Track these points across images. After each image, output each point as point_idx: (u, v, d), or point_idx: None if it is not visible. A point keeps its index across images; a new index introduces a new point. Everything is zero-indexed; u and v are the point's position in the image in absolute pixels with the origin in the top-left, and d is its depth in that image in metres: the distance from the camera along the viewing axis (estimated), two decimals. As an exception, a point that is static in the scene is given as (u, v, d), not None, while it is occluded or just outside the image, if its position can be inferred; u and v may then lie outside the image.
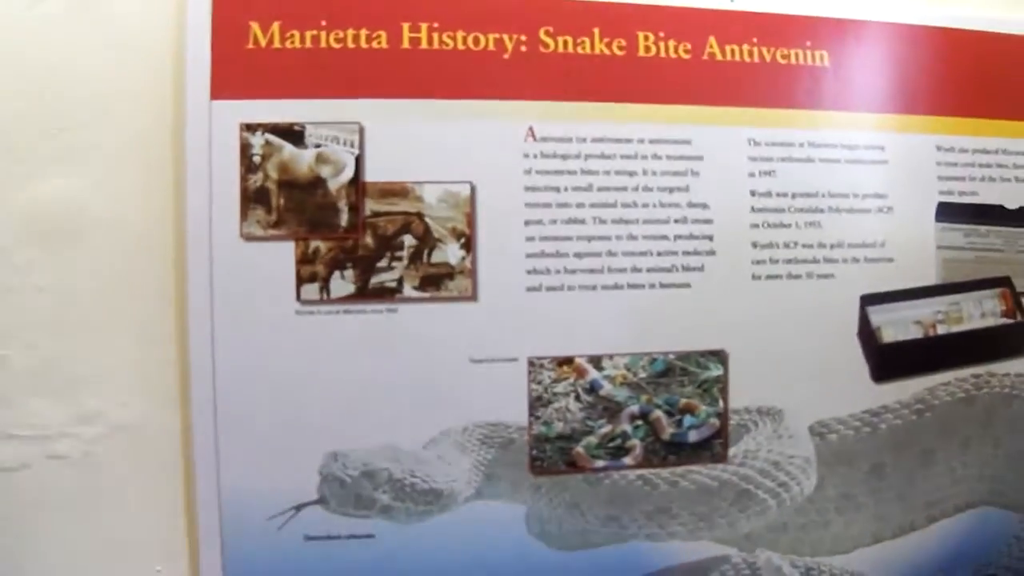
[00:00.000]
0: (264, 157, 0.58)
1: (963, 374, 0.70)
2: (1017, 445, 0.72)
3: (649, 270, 0.62)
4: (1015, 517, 0.73)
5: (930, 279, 0.69)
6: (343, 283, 0.59)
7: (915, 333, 0.68)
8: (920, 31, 0.70)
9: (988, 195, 0.72)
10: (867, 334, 0.67)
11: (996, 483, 0.72)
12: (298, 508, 0.58)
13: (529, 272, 0.61)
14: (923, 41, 0.70)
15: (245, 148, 0.58)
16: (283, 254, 0.59)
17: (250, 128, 0.58)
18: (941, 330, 0.69)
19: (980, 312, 0.70)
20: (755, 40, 0.66)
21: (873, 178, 0.68)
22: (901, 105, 0.69)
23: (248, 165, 0.58)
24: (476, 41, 0.61)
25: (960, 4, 0.72)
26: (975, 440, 0.71)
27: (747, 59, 0.65)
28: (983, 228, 0.71)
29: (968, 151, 0.71)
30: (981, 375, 0.71)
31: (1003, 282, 0.72)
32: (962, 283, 0.70)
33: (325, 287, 0.59)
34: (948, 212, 0.70)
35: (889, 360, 0.67)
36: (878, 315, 0.67)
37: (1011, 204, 0.72)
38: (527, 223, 0.61)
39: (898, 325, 0.68)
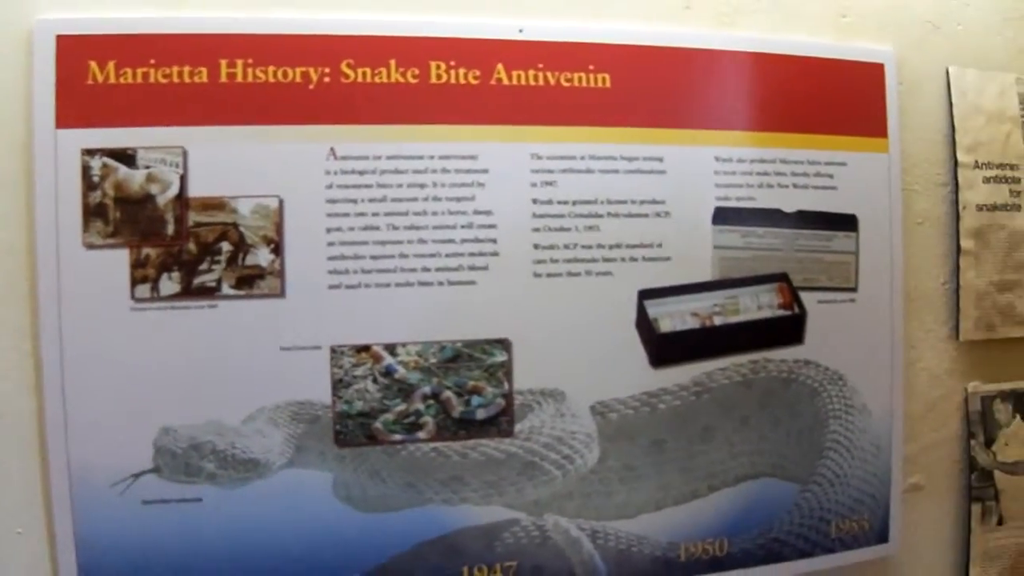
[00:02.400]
0: (102, 177, 0.74)
1: (740, 360, 0.84)
2: (796, 424, 0.86)
3: (438, 269, 0.77)
4: (795, 488, 0.86)
5: (707, 276, 0.83)
6: (170, 284, 0.74)
7: (692, 323, 0.82)
8: (699, 54, 0.84)
9: (766, 200, 0.85)
10: (645, 325, 0.81)
11: (776, 457, 0.86)
12: (136, 476, 0.74)
13: (331, 272, 0.75)
14: (702, 63, 0.83)
15: (86, 170, 0.73)
16: (119, 260, 0.74)
17: (90, 152, 0.73)
18: (718, 321, 0.83)
19: (757, 304, 0.84)
20: (541, 65, 0.80)
21: (651, 186, 0.82)
22: (680, 120, 0.83)
23: (88, 184, 0.73)
24: (285, 74, 0.76)
25: (736, 28, 0.86)
26: (753, 419, 0.85)
27: (532, 83, 0.79)
28: (760, 230, 0.85)
29: (746, 161, 0.85)
30: (758, 361, 0.85)
31: (780, 278, 0.85)
32: (739, 279, 0.84)
33: (155, 287, 0.74)
34: (725, 216, 0.84)
35: (666, 348, 0.81)
36: (655, 308, 0.81)
37: (788, 208, 0.86)
38: (328, 230, 0.75)
39: (675, 316, 0.82)
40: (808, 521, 0.87)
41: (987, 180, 0.94)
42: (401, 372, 0.76)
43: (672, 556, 0.83)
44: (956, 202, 0.94)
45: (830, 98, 0.88)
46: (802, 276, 0.86)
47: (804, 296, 0.86)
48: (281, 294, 0.75)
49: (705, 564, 0.84)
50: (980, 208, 0.94)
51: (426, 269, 0.76)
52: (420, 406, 0.77)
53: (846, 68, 0.88)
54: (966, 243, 0.93)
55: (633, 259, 0.81)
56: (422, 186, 0.77)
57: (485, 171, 0.78)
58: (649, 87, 0.82)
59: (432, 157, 0.77)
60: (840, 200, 0.88)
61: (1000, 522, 0.96)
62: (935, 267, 0.94)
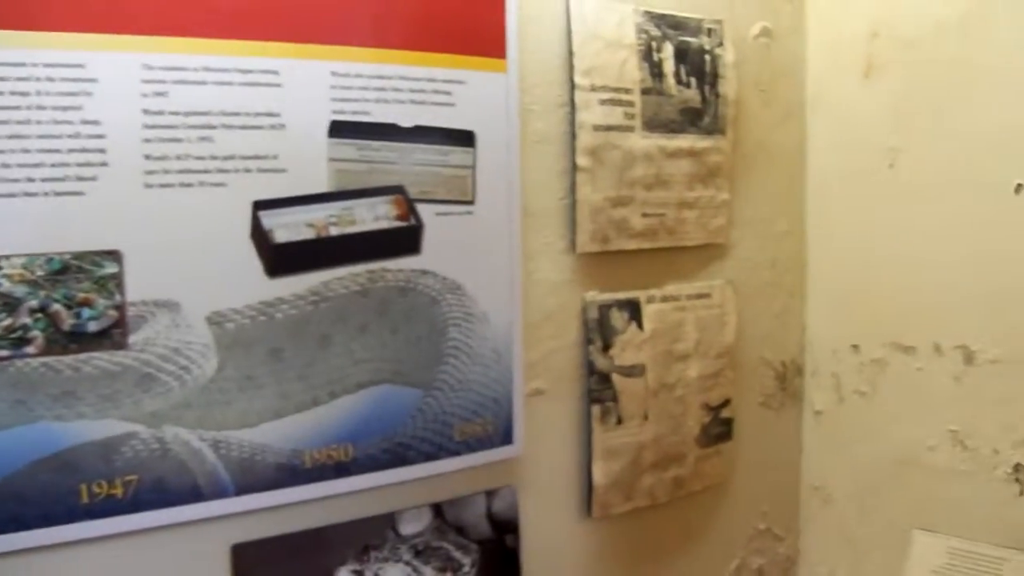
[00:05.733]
0: None
1: (358, 269, 1.37)
2: (415, 331, 1.41)
3: (43, 180, 1.18)
4: (417, 393, 1.42)
5: (323, 188, 1.35)
6: None
7: (307, 234, 1.33)
8: (313, -31, 1.34)
9: (383, 115, 1.38)
10: (259, 235, 1.30)
11: (397, 364, 1.40)
12: None
13: (-76, 183, 1.15)
14: (316, -22, 1.34)
15: None
16: None
17: None
18: (334, 231, 1.35)
19: (373, 216, 1.38)
20: (154, -24, 1.25)
21: (266, 99, 1.30)
22: (296, 35, 1.32)
23: None
24: None
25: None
26: (372, 326, 1.38)
27: (146, -6, 1.24)
28: (376, 143, 1.38)
29: (364, 76, 1.36)
30: (376, 270, 1.38)
31: (396, 190, 1.40)
32: (354, 190, 1.37)
33: None
34: (341, 129, 1.36)
35: (281, 258, 1.31)
36: (270, 218, 1.31)
37: (405, 123, 1.41)
38: (-79, 139, 1.15)
39: (290, 227, 1.32)
40: (431, 425, 1.43)
41: (603, 102, 1.56)
42: (6, 286, 1.19)
43: (297, 463, 1.35)
44: (573, 122, 1.55)
45: (450, 18, 1.42)
46: (419, 189, 1.41)
47: (421, 208, 1.40)
48: None
49: (331, 470, 1.37)
50: (596, 128, 1.56)
51: (31, 180, 1.18)
52: (27, 320, 1.20)
53: (466, -11, 1.44)
54: (582, 161, 1.55)
55: (248, 170, 1.29)
56: (25, 94, 1.18)
57: (93, 80, 1.21)
58: (265, 1, 1.31)
59: (36, 65, 1.17)
60: (458, 117, 1.43)
61: (619, 422, 1.61)
62: (553, 183, 1.53)
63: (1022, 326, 1.57)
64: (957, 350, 1.67)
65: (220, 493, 1.27)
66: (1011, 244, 1.57)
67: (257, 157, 1.26)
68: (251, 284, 1.26)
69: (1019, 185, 1.57)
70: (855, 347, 1.86)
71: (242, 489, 1.28)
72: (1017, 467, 1.59)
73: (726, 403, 1.77)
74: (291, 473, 1.30)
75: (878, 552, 1.81)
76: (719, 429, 1.75)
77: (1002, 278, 1.58)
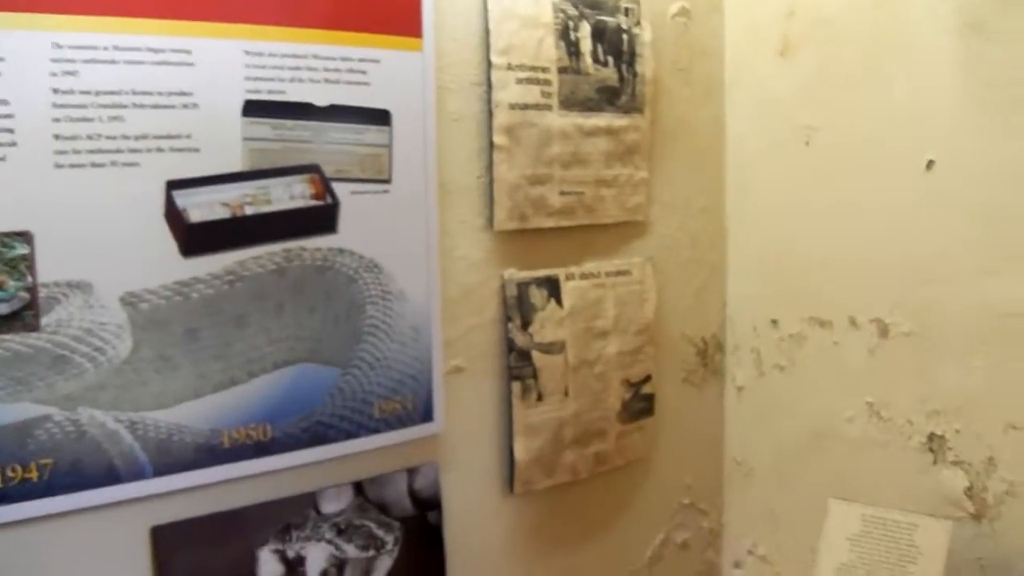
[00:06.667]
0: None
1: (275, 248, 1.40)
2: (332, 309, 1.45)
3: (-51, 161, 1.21)
4: (335, 372, 1.46)
5: (237, 166, 1.37)
6: None
7: (222, 213, 1.36)
8: (223, -53, 1.37)
9: (297, 94, 1.41)
10: (174, 215, 1.33)
11: (314, 343, 1.43)
12: None
13: None
14: (227, -44, 1.37)
15: None
16: None
17: None
18: (249, 211, 1.38)
19: (289, 195, 1.41)
20: (56, -46, 1.27)
21: (178, 78, 1.33)
22: (208, 13, 1.35)
23: None
24: None
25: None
26: (289, 306, 1.41)
27: (51, -28, 1.26)
28: (291, 122, 1.41)
29: (277, 55, 1.39)
30: (292, 249, 1.41)
31: (312, 168, 1.43)
32: (269, 169, 1.39)
33: None
34: (255, 108, 1.38)
35: (196, 237, 1.34)
36: (184, 198, 1.33)
37: (320, 102, 1.44)
38: None
39: (205, 207, 1.35)
40: (350, 403, 1.47)
41: (520, 81, 1.60)
42: (-88, 267, 1.21)
43: (216, 443, 1.37)
44: (490, 101, 1.59)
45: (363, -4, 1.46)
46: (335, 167, 1.43)
47: (337, 187, 1.44)
48: None
49: (250, 449, 1.40)
50: (513, 107, 1.60)
51: (-65, 161, 1.21)
52: (-65, 301, 1.22)
53: (381, -33, 1.48)
54: (499, 139, 1.59)
55: (160, 150, 1.31)
56: (-73, 74, 1.20)
57: (1, 60, 1.23)
58: (174, -22, 1.33)
59: (-62, 44, 1.20)
60: (373, 95, 1.46)
61: (539, 398, 1.66)
62: (470, 161, 1.57)
63: (934, 300, 1.63)
64: (872, 323, 1.73)
65: (138, 475, 1.29)
66: (922, 219, 1.64)
67: (170, 136, 1.29)
68: (166, 264, 1.29)
69: (930, 161, 1.62)
70: (774, 322, 1.93)
71: (160, 470, 1.31)
72: (931, 437, 1.66)
73: (647, 379, 1.83)
74: (210, 453, 1.33)
75: (799, 523, 1.89)
76: (640, 405, 1.82)
77: (914, 253, 1.65)
